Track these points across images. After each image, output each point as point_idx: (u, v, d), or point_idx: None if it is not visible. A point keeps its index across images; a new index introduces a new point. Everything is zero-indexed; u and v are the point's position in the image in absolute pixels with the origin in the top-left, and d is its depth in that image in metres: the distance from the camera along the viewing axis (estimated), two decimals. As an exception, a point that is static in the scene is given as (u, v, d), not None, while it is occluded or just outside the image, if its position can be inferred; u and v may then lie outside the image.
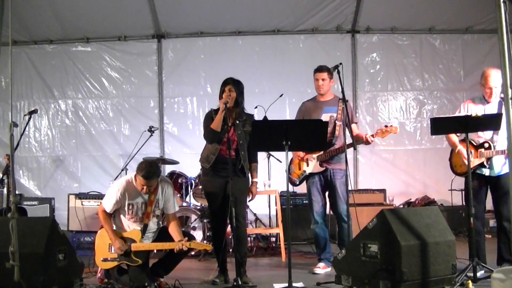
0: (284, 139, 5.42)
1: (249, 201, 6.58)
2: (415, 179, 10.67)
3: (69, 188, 10.37)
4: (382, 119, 10.66)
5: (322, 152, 6.78)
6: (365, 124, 10.56)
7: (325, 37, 10.74)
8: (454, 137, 6.50)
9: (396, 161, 10.71)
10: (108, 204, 5.96)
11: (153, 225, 6.09)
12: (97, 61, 10.82)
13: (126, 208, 5.97)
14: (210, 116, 6.23)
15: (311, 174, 6.92)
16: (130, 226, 6.02)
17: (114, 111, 10.85)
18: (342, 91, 6.27)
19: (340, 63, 6.26)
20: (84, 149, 10.81)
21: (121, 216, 6.03)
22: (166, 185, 6.10)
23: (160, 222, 6.27)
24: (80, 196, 8.87)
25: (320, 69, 6.91)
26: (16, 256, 3.55)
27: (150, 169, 5.78)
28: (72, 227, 8.71)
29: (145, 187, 5.82)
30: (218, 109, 6.15)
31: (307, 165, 6.92)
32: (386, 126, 6.53)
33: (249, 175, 6.35)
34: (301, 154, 6.95)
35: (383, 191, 9.49)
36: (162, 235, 6.08)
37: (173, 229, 5.99)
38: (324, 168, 6.83)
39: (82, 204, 8.72)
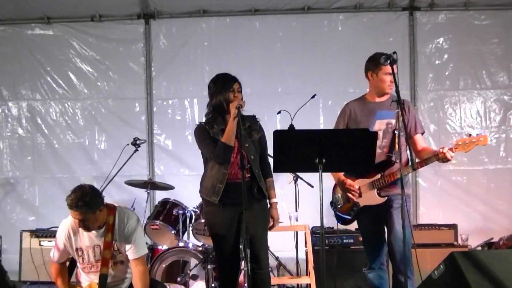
0: (318, 156, 5.37)
1: (270, 228, 6.41)
2: (497, 211, 10.53)
3: (22, 223, 10.36)
4: (452, 128, 10.63)
5: (379, 176, 6.51)
6: (427, 135, 10.32)
7: (373, 16, 10.73)
8: None
9: (471, 186, 10.58)
10: (53, 251, 5.91)
11: (119, 274, 5.95)
12: (62, 49, 10.86)
13: (76, 255, 5.86)
14: (205, 131, 6.12)
15: (366, 207, 6.62)
16: (87, 279, 5.94)
17: (86, 117, 10.88)
18: (397, 90, 6.18)
19: (394, 52, 6.21)
20: (44, 169, 10.84)
21: (78, 267, 5.98)
22: (127, 219, 5.84)
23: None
24: (38, 233, 8.91)
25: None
26: None
27: (78, 195, 5.44)
28: (26, 277, 8.75)
29: (75, 220, 5.58)
30: (208, 122, 6.17)
31: (360, 195, 6.59)
32: (470, 135, 6.28)
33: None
34: (350, 181, 6.63)
35: (453, 227, 9.42)
36: None
37: (135, 284, 5.80)
38: (385, 198, 6.49)
39: (40, 245, 8.77)
